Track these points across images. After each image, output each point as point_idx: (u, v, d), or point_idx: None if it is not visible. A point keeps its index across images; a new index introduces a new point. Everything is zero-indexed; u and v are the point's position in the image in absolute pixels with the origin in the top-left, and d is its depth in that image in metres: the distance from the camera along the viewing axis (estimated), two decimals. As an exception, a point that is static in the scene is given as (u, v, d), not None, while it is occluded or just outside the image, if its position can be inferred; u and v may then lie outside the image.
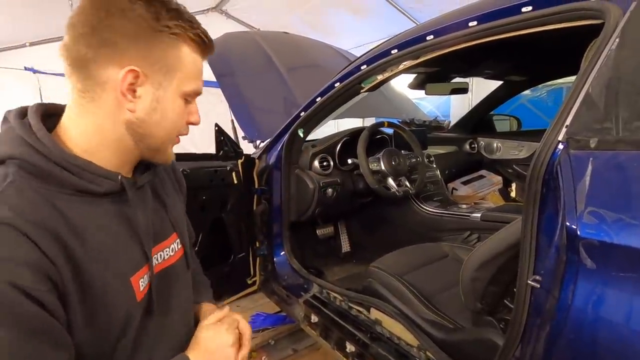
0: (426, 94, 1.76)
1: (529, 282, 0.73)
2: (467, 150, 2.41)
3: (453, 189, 2.21)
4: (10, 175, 0.49)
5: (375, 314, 1.31)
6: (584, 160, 0.62)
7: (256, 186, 1.80)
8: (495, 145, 2.40)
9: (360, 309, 1.35)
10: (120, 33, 0.52)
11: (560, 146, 0.68)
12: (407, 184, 1.65)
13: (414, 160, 1.75)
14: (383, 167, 1.61)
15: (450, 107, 4.75)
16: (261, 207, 1.81)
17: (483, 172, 2.32)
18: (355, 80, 1.36)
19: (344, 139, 1.75)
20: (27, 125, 0.54)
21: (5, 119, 0.56)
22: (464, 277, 1.06)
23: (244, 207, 1.67)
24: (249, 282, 1.84)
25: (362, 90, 1.38)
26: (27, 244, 0.45)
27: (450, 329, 1.16)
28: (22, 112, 0.56)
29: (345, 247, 2.22)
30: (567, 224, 0.60)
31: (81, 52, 0.52)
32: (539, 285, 0.71)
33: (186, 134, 0.65)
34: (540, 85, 3.96)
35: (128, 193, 0.58)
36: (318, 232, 2.16)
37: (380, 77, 1.30)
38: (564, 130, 0.68)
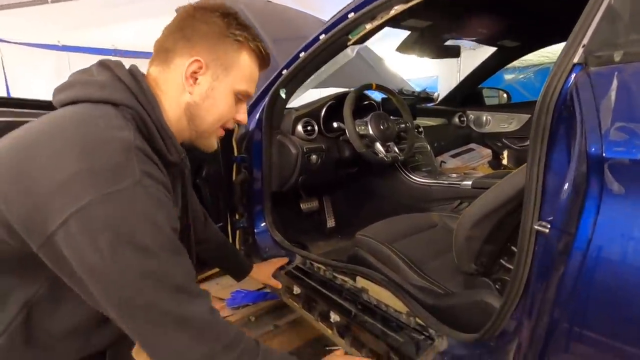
0: (416, 55, 1.66)
1: (536, 227, 0.65)
2: (456, 124, 2.34)
3: (442, 162, 2.13)
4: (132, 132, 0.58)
5: (361, 282, 1.23)
6: (607, 76, 0.53)
7: (235, 154, 1.68)
8: (484, 118, 2.33)
9: (346, 278, 1.27)
10: (197, 33, 0.66)
11: (575, 70, 0.60)
12: (396, 149, 1.56)
13: (403, 126, 1.65)
14: (371, 132, 1.52)
15: (438, 90, 4.68)
16: (241, 177, 1.69)
17: (472, 145, 2.25)
18: (342, 31, 1.25)
19: (330, 102, 1.64)
20: (144, 88, 0.64)
21: (106, 65, 0.64)
22: (458, 237, 0.98)
23: (221, 174, 1.55)
24: (228, 256, 1.73)
25: (349, 43, 1.27)
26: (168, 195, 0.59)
27: (441, 294, 1.09)
28: (132, 70, 0.65)
29: (330, 222, 2.13)
30: (589, 148, 0.51)
31: (166, 44, 0.67)
32: (547, 230, 0.63)
33: (231, 128, 0.78)
34: (528, 65, 3.93)
35: (181, 166, 0.76)
36: (302, 206, 2.06)
37: (369, 27, 1.19)
38: (580, 50, 0.59)
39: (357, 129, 1.47)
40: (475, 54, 2.40)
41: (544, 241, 0.65)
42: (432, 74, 4.53)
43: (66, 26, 3.80)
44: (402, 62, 4.27)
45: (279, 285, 1.31)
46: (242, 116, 0.75)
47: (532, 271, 0.70)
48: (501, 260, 0.95)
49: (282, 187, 1.66)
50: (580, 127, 0.55)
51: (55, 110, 0.59)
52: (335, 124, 1.57)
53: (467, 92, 2.43)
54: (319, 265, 1.38)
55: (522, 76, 4.00)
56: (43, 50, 3.79)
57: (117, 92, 0.59)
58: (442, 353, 0.90)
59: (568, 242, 0.58)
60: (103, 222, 0.49)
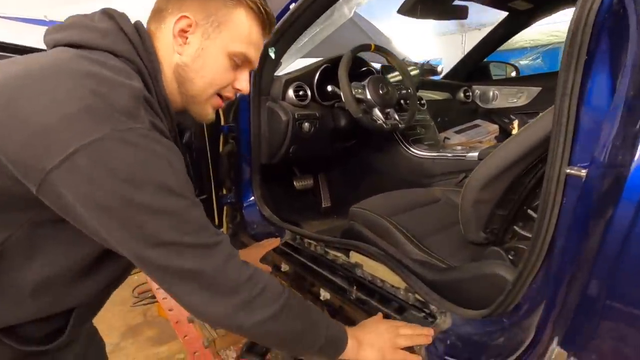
0: (419, 17, 1.51)
1: (569, 171, 0.52)
2: (461, 99, 2.20)
3: (445, 138, 2.00)
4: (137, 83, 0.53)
5: (355, 257, 1.11)
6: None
7: (222, 123, 1.55)
8: (491, 93, 2.19)
9: (338, 253, 1.14)
10: None
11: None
12: (396, 117, 1.43)
13: (405, 92, 1.52)
14: (369, 96, 1.38)
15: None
16: (228, 148, 1.56)
17: (478, 121, 2.11)
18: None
19: (324, 65, 1.50)
20: (147, 45, 0.60)
21: (110, 14, 0.59)
22: (465, 201, 0.85)
23: (205, 141, 1.42)
24: (214, 233, 1.61)
25: (344, -11, 1.13)
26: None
27: (444, 268, 0.96)
28: (137, 24, 0.61)
29: (326, 201, 2.00)
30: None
31: (159, 2, 0.63)
32: (583, 174, 0.50)
33: (231, 98, 0.70)
34: (536, 45, 3.76)
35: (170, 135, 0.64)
36: (296, 184, 1.94)
37: (366, -32, 1.05)
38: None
39: (353, 92, 1.33)
40: (480, 35, 2.24)
41: (577, 191, 0.53)
42: (435, 56, 4.37)
43: (53, 1, 3.64)
44: (403, 43, 4.11)
45: (269, 270, 1.18)
46: (243, 84, 0.68)
47: (558, 231, 0.58)
48: (515, 227, 0.83)
49: (272, 158, 1.53)
50: (638, 38, 0.42)
51: (51, 50, 0.55)
52: (329, 88, 1.44)
53: (473, 67, 2.28)
54: (310, 241, 1.26)
55: (530, 58, 3.83)
56: (29, 24, 3.62)
57: (120, 44, 0.56)
58: (446, 332, 0.77)
59: (614, 189, 0.45)
60: (121, 158, 0.46)
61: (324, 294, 1.06)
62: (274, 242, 1.27)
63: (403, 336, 0.74)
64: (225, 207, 1.66)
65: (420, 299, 0.86)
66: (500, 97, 2.16)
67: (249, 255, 1.13)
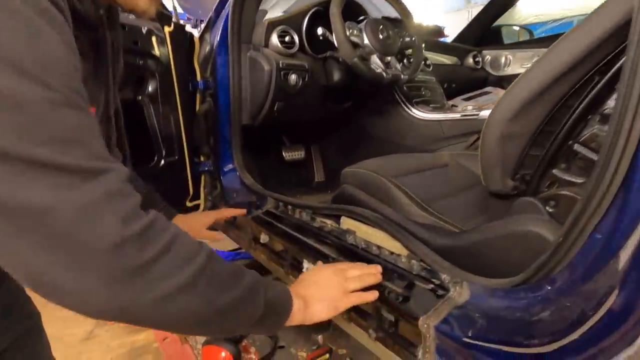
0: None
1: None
2: (470, 65, 1.99)
3: (452, 105, 1.79)
4: None
5: (347, 223, 0.91)
6: None
7: (198, 78, 1.34)
8: (503, 58, 1.97)
9: (327, 220, 0.95)
10: None
11: None
12: (398, 67, 1.22)
13: (408, 40, 1.31)
14: (366, 40, 1.17)
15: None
16: (205, 107, 1.35)
17: (489, 88, 1.90)
18: None
19: (315, 9, 1.29)
20: None
21: None
22: (488, 139, 0.65)
23: (172, 93, 1.21)
24: (189, 204, 1.42)
25: None
26: None
27: (457, 232, 0.77)
28: None
29: (319, 175, 1.80)
30: None
31: None
32: None
33: None
34: (548, 20, 3.53)
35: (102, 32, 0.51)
36: (285, 155, 1.73)
37: None
38: None
39: (347, 32, 1.12)
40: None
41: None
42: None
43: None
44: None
45: (214, 237, 0.97)
46: None
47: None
48: (554, 171, 0.62)
49: (255, 118, 1.33)
50: None
51: None
52: (320, 30, 1.23)
53: (482, 31, 2.06)
54: (295, 209, 1.06)
55: (543, 31, 3.60)
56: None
57: None
58: (462, 307, 0.58)
59: None
60: None
61: (307, 266, 0.86)
62: (234, 211, 1.06)
63: (352, 279, 0.63)
64: (202, 177, 1.46)
65: (428, 266, 0.67)
66: (514, 62, 1.95)
67: (191, 222, 0.93)
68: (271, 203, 1.16)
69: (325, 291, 0.59)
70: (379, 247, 0.77)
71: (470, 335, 0.52)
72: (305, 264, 0.88)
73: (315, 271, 0.64)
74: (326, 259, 0.81)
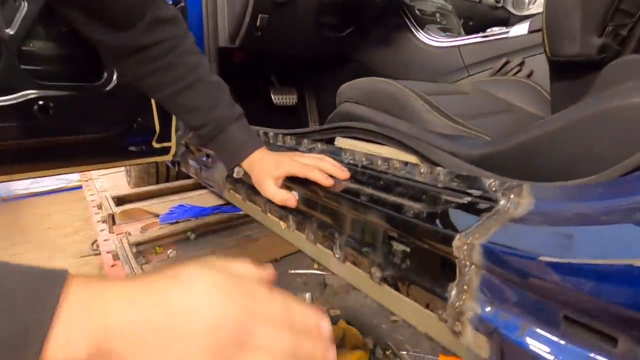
0: None
1: None
2: (490, 3, 1.73)
3: (469, 44, 1.54)
4: None
5: (343, 143, 0.69)
6: None
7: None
8: (528, -5, 1.71)
9: (315, 144, 0.72)
10: None
11: None
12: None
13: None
14: None
15: None
16: (173, 26, 1.11)
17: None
18: None
19: None
20: None
21: None
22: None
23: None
24: (157, 146, 1.19)
25: None
26: None
27: (500, 138, 0.55)
28: None
29: (314, 122, 1.57)
30: None
31: None
32: None
33: None
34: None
35: None
36: (274, 97, 1.50)
37: None
38: None
39: None
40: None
41: None
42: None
43: None
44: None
45: (290, 202, 0.62)
46: None
47: None
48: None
49: (234, 38, 1.09)
50: None
51: None
52: None
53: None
54: (278, 136, 0.83)
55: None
56: None
57: None
58: (522, 220, 0.36)
59: None
60: None
61: (296, 193, 0.64)
62: (332, 169, 0.59)
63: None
64: (174, 117, 1.22)
65: (462, 173, 0.44)
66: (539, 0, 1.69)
67: (264, 172, 0.62)
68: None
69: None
70: (386, 159, 0.54)
71: (541, 258, 0.30)
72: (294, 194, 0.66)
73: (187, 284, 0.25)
74: (310, 187, 0.58)
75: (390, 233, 0.46)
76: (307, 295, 0.86)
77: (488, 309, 0.35)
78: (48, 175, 0.97)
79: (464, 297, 0.37)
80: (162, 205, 1.40)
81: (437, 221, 0.41)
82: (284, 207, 0.68)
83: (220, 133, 0.63)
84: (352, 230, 0.53)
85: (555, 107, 0.56)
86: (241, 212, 1.31)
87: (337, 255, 0.54)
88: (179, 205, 1.38)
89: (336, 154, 0.64)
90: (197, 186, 1.66)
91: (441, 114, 0.63)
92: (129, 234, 1.19)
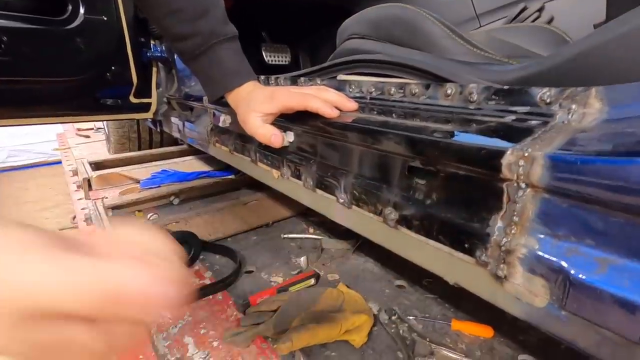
0: None
1: None
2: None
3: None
4: None
5: (347, 78, 0.59)
6: None
7: None
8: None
9: (314, 80, 0.62)
10: None
11: None
12: None
13: None
14: None
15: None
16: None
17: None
18: None
19: None
20: None
21: None
22: None
23: None
24: (135, 101, 1.07)
25: None
26: None
27: (543, 57, 0.45)
28: None
29: (308, 85, 1.45)
30: None
31: None
32: None
33: None
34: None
35: None
36: (266, 56, 1.38)
37: None
38: None
39: None
40: None
41: None
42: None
43: None
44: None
45: (275, 140, 0.50)
46: None
47: None
48: None
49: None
50: None
51: None
52: None
53: None
54: (271, 78, 0.73)
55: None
56: None
57: None
58: (594, 130, 0.27)
59: None
60: None
61: (287, 138, 0.55)
62: (336, 99, 0.49)
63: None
64: (152, 65, 1.10)
65: (499, 87, 0.35)
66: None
67: (253, 105, 0.51)
68: (238, 82, 0.83)
69: None
70: (401, 85, 0.45)
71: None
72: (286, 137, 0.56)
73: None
74: (307, 123, 0.49)
75: (410, 163, 0.37)
76: (302, 258, 0.78)
77: (549, 242, 0.27)
78: (5, 125, 0.85)
79: (513, 230, 0.28)
80: (143, 171, 1.28)
81: (475, 141, 0.32)
82: (277, 153, 0.58)
83: (207, 51, 0.52)
84: (360, 167, 0.43)
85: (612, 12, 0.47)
86: (230, 177, 1.21)
87: (342, 200, 0.45)
88: (162, 170, 1.28)
89: (340, 88, 0.54)
90: (183, 153, 1.55)
91: (463, 40, 0.54)
92: (106, 198, 1.09)
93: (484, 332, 0.58)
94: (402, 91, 0.45)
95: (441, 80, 0.45)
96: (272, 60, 1.38)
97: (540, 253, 0.27)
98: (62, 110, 0.91)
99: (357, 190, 0.43)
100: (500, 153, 0.28)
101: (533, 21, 0.90)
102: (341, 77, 0.61)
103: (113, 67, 0.97)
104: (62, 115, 0.93)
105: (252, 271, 0.76)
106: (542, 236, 0.27)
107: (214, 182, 1.17)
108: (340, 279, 0.73)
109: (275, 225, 0.96)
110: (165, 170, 1.27)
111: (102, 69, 0.94)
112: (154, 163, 1.40)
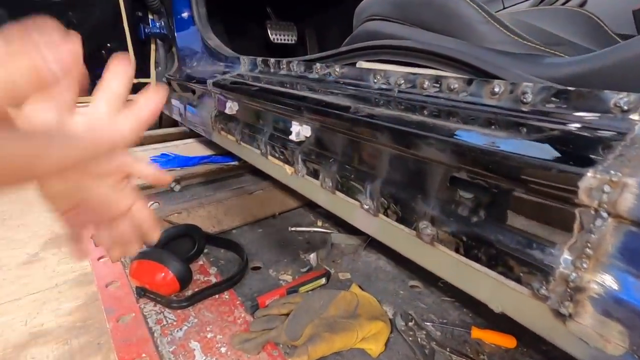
0: None
1: None
2: None
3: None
4: None
5: (368, 66, 0.53)
6: None
7: None
8: None
9: (332, 67, 0.56)
10: None
11: None
12: None
13: None
14: None
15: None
16: None
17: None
18: None
19: None
20: None
21: None
22: None
23: None
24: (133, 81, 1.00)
25: None
26: None
27: (599, 52, 0.40)
28: None
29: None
30: None
31: None
32: None
33: None
34: None
35: None
36: (271, 34, 1.30)
37: None
38: None
39: None
40: None
41: None
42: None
43: None
44: None
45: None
46: None
47: None
48: None
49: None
50: None
51: None
52: None
53: None
54: (282, 64, 0.67)
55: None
56: None
57: None
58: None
59: None
60: None
61: (298, 130, 0.50)
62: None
63: None
64: (151, 42, 1.03)
65: (561, 87, 0.30)
66: None
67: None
68: (245, 65, 0.77)
69: None
70: (437, 79, 0.39)
71: None
72: (295, 128, 0.51)
73: None
74: (328, 117, 0.44)
75: (454, 173, 0.32)
76: (312, 255, 0.74)
77: (634, 284, 0.23)
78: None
79: (584, 264, 0.24)
80: (141, 155, 1.23)
81: (536, 153, 0.27)
82: (292, 147, 0.53)
83: None
84: (391, 172, 0.39)
85: None
86: (233, 163, 1.16)
87: (366, 206, 0.41)
88: (162, 154, 1.22)
89: (362, 78, 0.49)
90: (183, 135, 1.49)
91: (503, 26, 0.48)
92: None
93: (506, 341, 0.55)
94: (437, 85, 0.40)
95: (483, 75, 0.40)
96: (277, 39, 1.30)
97: (620, 295, 0.23)
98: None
99: (386, 198, 0.39)
100: (578, 175, 0.24)
101: (563, 4, 0.84)
102: (362, 64, 0.56)
103: (109, 44, 0.90)
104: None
105: (260, 267, 0.72)
106: (624, 275, 0.23)
107: (216, 168, 1.12)
108: (352, 278, 0.69)
109: (281, 217, 0.92)
110: (165, 154, 1.22)
111: (96, 46, 0.88)
112: (152, 146, 1.34)
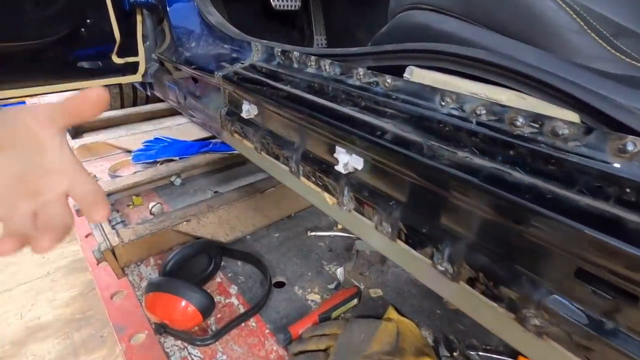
0: None
1: None
2: None
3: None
4: None
5: (419, 76, 0.44)
6: None
7: None
8: None
9: (382, 76, 0.46)
10: None
11: None
12: None
13: None
14: None
15: None
16: None
17: None
18: None
19: None
20: None
21: None
22: None
23: None
24: (118, 61, 0.87)
25: None
26: None
27: None
28: None
29: (319, 35, 1.25)
30: None
31: None
32: None
33: None
34: None
35: None
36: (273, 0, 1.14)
37: None
38: None
39: None
40: None
41: None
42: None
43: None
44: None
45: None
46: None
47: None
48: None
49: None
50: None
51: None
52: None
53: None
54: (306, 55, 0.56)
55: None
56: None
57: None
58: None
59: None
60: None
61: (347, 160, 0.42)
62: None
63: None
64: (137, 13, 0.88)
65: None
66: None
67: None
68: (260, 53, 0.65)
69: None
70: (538, 119, 0.32)
71: None
72: (343, 157, 0.43)
73: None
74: (390, 154, 0.36)
75: (581, 265, 0.26)
76: (339, 270, 0.69)
77: None
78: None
79: None
80: (132, 139, 1.11)
81: None
82: (336, 174, 0.45)
83: None
84: (483, 238, 0.32)
85: None
86: (236, 152, 1.06)
87: (442, 269, 0.35)
88: (155, 138, 1.11)
89: (422, 97, 0.40)
90: (175, 112, 1.36)
91: (603, 39, 0.40)
92: (95, 177, 0.94)
93: (555, 371, 0.53)
94: (537, 126, 0.32)
95: (594, 113, 0.32)
96: (279, 5, 1.15)
97: None
98: (25, 81, 0.71)
99: (473, 268, 0.32)
100: None
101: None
102: (414, 71, 0.46)
103: (89, 20, 0.76)
104: (28, 87, 0.73)
105: (284, 284, 0.67)
106: None
107: (218, 157, 1.02)
108: (384, 296, 0.65)
109: (297, 217, 0.85)
110: (159, 139, 1.11)
111: (74, 24, 0.73)
112: (142, 126, 1.22)
